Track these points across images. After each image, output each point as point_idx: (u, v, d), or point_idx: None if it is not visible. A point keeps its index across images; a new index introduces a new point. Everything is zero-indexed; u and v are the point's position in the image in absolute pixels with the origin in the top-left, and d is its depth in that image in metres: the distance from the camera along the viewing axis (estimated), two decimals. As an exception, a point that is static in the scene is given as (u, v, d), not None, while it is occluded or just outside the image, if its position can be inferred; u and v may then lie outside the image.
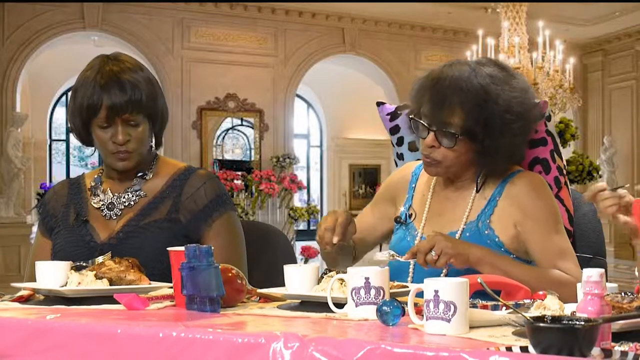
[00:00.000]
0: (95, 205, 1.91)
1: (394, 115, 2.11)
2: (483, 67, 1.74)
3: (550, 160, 1.90)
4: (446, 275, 1.71)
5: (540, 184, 1.78)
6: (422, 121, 1.76)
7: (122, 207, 1.89)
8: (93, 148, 1.93)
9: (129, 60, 1.89)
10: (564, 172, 1.94)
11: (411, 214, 1.88)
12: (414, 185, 1.94)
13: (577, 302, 1.58)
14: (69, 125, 1.94)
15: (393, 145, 2.14)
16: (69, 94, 2.07)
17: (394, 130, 2.11)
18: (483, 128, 1.69)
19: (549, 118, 1.90)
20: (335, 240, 1.68)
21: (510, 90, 1.72)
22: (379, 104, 2.15)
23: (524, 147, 1.81)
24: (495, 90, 1.70)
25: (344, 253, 1.90)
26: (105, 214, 1.89)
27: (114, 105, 1.80)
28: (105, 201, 1.90)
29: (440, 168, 1.78)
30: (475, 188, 1.81)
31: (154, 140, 1.96)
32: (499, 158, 1.75)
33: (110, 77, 1.81)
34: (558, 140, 1.93)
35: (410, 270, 1.80)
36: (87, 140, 1.90)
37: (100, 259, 1.64)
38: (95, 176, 1.98)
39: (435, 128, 1.73)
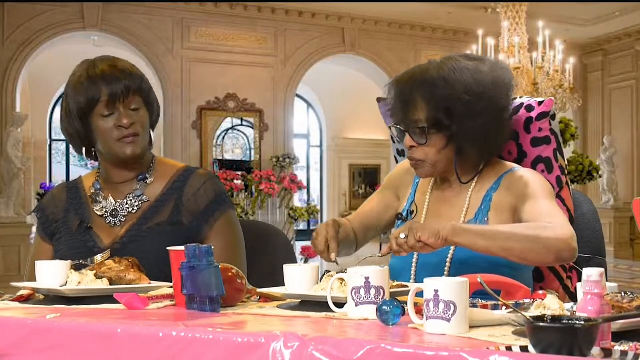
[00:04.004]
0: (99, 213, 1.89)
1: None
2: (449, 61, 1.76)
3: (553, 160, 1.90)
4: (449, 275, 1.70)
5: (533, 172, 1.79)
6: (397, 126, 1.80)
7: (126, 213, 1.87)
8: (91, 152, 1.91)
9: (116, 58, 1.90)
10: (566, 171, 1.94)
11: (413, 210, 1.88)
12: (417, 181, 1.95)
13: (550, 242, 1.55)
14: (66, 133, 1.91)
15: (393, 142, 2.14)
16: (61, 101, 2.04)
17: None
18: (447, 115, 1.71)
19: (553, 117, 1.89)
20: (333, 257, 1.70)
21: (471, 74, 1.73)
22: (380, 99, 2.15)
23: (499, 130, 1.78)
24: (453, 77, 1.72)
25: (343, 248, 1.89)
26: (110, 221, 1.87)
27: (114, 91, 1.81)
28: (109, 208, 1.88)
29: (427, 167, 1.79)
30: (471, 186, 1.81)
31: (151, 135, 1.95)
32: (473, 143, 1.75)
33: (104, 69, 1.83)
34: (561, 140, 1.93)
35: (413, 271, 1.80)
36: (88, 139, 1.87)
37: (99, 257, 1.63)
38: (94, 181, 1.95)
39: (407, 128, 1.77)
